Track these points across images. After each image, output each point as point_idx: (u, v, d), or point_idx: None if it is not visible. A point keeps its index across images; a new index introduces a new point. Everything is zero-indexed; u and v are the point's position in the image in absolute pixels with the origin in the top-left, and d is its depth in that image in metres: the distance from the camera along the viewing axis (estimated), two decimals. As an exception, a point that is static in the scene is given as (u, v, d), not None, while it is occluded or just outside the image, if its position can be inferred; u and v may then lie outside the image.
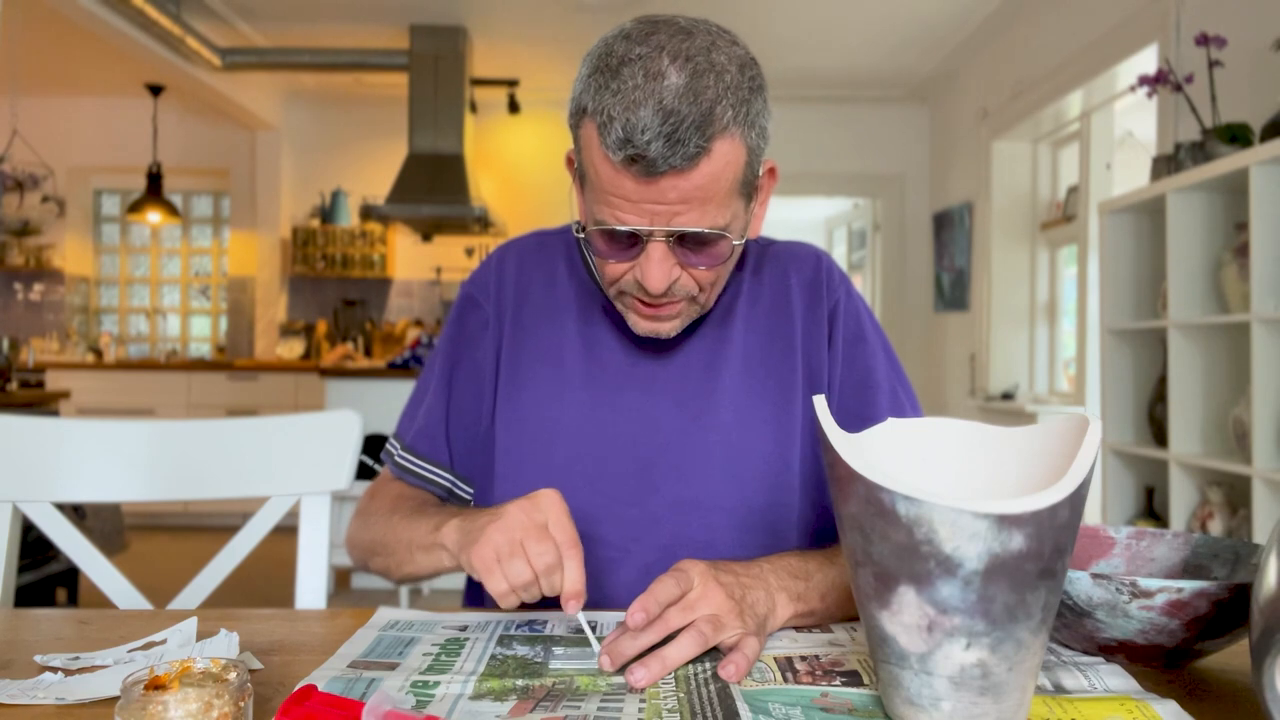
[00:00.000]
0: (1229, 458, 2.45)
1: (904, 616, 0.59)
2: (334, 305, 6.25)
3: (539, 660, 0.75)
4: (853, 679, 0.70)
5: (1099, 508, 3.08)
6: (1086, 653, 0.76)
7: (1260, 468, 2.23)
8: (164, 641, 0.79)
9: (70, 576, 3.40)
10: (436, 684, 0.69)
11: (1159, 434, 2.80)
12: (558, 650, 0.77)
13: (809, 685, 0.69)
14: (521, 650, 0.77)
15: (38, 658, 0.75)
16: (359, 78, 5.64)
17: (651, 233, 0.86)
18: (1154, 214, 2.89)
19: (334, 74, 5.51)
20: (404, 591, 3.47)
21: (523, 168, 6.07)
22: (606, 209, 0.86)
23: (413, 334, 5.87)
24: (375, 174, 6.02)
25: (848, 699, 0.66)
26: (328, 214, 6.09)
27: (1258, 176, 2.22)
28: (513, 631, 0.83)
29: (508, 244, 1.12)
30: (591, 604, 0.95)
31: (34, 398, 3.74)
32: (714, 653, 0.75)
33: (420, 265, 6.25)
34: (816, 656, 0.76)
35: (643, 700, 0.66)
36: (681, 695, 0.67)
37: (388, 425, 1.12)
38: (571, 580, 0.76)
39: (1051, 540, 0.56)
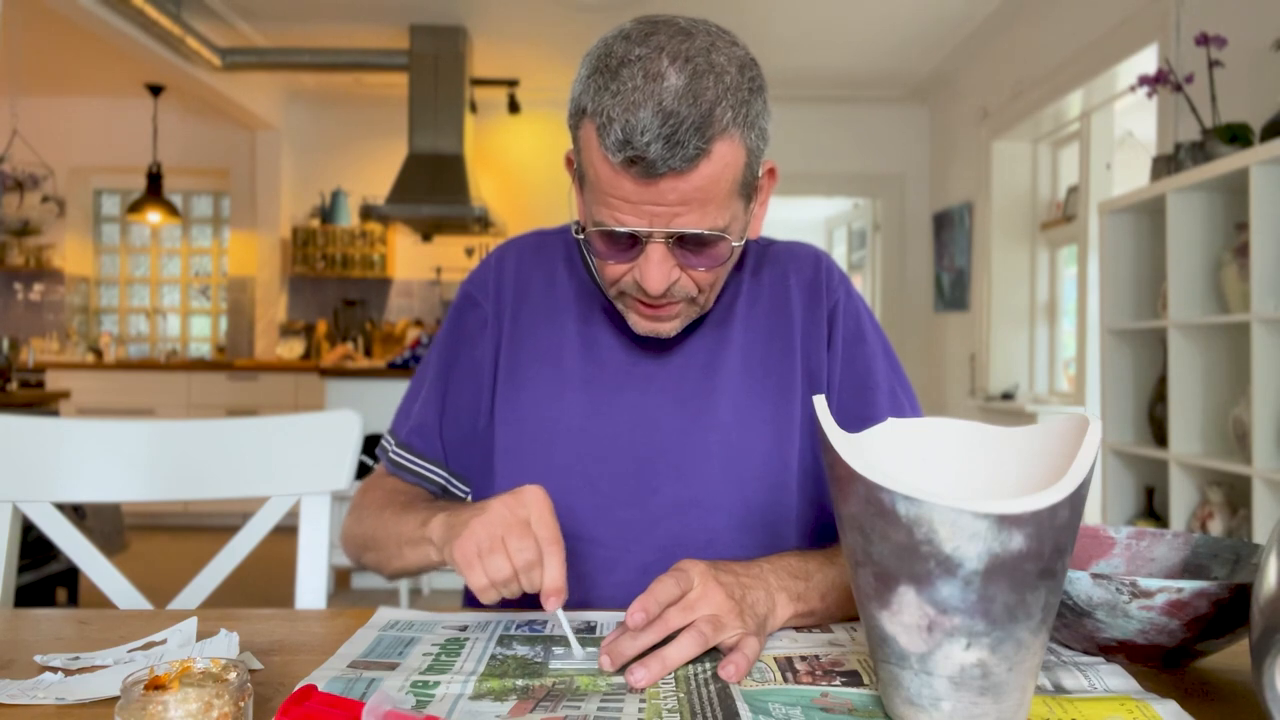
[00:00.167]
0: (1229, 458, 2.45)
1: (904, 616, 0.59)
2: (334, 305, 6.25)
3: (539, 660, 0.75)
4: (853, 679, 0.70)
5: (1099, 508, 3.08)
6: (1086, 653, 0.76)
7: (1260, 468, 2.23)
8: (164, 641, 0.79)
9: (70, 576, 3.40)
10: (436, 684, 0.69)
11: (1159, 434, 2.80)
12: (558, 650, 0.77)
13: (809, 685, 0.69)
14: (521, 650, 0.77)
15: (38, 658, 0.75)
16: (359, 78, 5.64)
17: (651, 234, 0.86)
18: (1154, 214, 2.89)
19: (334, 74, 5.51)
20: (404, 591, 3.46)
21: (523, 168, 6.07)
22: (606, 210, 0.86)
23: (413, 334, 5.87)
24: (375, 174, 6.02)
25: (848, 699, 0.66)
26: (328, 214, 6.09)
27: (1258, 176, 2.22)
28: (513, 631, 0.83)
29: (507, 243, 1.12)
30: (592, 604, 0.95)
31: (34, 398, 3.74)
32: (714, 653, 0.75)
33: (420, 265, 6.25)
34: (816, 656, 0.76)
35: (643, 700, 0.66)
36: (681, 695, 0.67)
37: (387, 425, 1.12)
38: (551, 577, 0.76)
39: (1051, 540, 0.56)
